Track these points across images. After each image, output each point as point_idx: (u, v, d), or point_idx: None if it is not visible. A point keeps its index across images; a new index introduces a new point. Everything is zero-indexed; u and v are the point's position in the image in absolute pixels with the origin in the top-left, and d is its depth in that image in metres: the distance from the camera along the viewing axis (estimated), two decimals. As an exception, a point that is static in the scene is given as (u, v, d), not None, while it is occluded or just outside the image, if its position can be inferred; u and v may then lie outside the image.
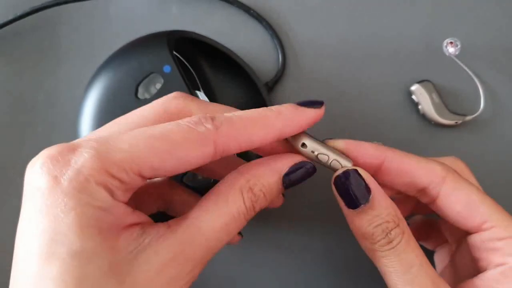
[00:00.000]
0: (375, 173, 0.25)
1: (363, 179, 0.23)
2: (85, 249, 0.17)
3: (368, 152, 0.25)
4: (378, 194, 0.23)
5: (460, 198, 0.25)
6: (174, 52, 0.31)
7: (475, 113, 0.35)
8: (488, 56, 0.36)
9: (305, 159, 0.23)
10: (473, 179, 0.28)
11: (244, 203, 0.21)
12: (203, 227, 0.19)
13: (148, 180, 0.20)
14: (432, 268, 0.23)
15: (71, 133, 0.33)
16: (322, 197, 0.35)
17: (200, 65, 0.35)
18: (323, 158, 0.24)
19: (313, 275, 0.35)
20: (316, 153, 0.23)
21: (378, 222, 0.23)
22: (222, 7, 0.37)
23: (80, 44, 0.37)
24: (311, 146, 0.23)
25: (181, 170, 0.19)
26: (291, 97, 0.36)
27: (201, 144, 0.19)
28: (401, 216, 0.24)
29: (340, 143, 0.25)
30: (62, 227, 0.17)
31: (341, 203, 0.24)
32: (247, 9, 0.36)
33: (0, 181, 0.35)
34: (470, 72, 0.35)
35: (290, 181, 0.22)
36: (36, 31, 0.37)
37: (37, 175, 0.18)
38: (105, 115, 0.31)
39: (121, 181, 0.18)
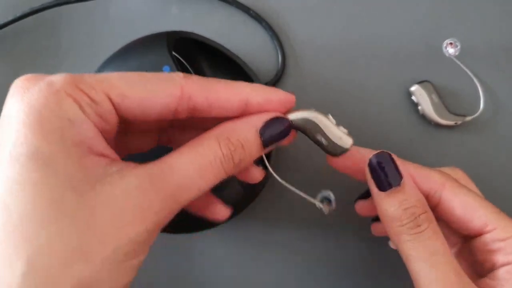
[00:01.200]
0: None
1: (396, 164, 0.24)
2: (45, 152, 0.17)
3: (367, 160, 0.26)
4: (409, 181, 0.24)
5: (459, 204, 0.26)
6: (174, 53, 0.31)
7: (474, 113, 0.35)
8: (488, 57, 0.36)
9: (279, 115, 0.23)
10: (473, 187, 0.29)
11: (221, 149, 0.20)
12: (175, 165, 0.19)
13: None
14: (455, 260, 0.23)
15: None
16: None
17: (199, 65, 0.35)
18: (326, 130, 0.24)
19: (314, 276, 0.35)
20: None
21: (407, 205, 0.24)
22: (221, 8, 0.37)
23: (80, 45, 0.37)
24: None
25: (151, 105, 0.20)
26: (290, 97, 0.36)
27: (168, 82, 0.20)
28: (428, 207, 0.24)
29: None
30: (25, 131, 0.17)
31: (372, 186, 0.25)
32: (246, 10, 0.36)
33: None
34: (469, 73, 0.35)
35: (267, 135, 0.22)
36: (36, 31, 0.37)
37: (11, 91, 0.19)
38: (104, 115, 0.30)
39: (90, 97, 0.18)
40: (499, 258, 0.25)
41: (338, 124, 0.24)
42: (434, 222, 0.24)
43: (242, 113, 0.22)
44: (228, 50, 0.34)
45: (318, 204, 0.25)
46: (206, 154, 0.20)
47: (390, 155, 0.25)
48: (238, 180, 0.31)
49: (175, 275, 0.35)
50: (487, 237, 0.25)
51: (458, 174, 0.29)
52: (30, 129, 0.17)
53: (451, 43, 0.35)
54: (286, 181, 0.25)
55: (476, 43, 0.36)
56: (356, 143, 0.36)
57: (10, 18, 0.36)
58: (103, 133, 0.19)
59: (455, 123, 0.35)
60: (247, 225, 0.35)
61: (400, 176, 0.24)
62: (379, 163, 0.24)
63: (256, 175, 0.26)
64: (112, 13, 0.37)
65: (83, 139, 0.18)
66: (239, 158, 0.21)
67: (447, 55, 0.35)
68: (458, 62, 0.35)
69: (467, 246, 0.29)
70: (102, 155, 0.19)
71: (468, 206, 0.26)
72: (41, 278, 0.16)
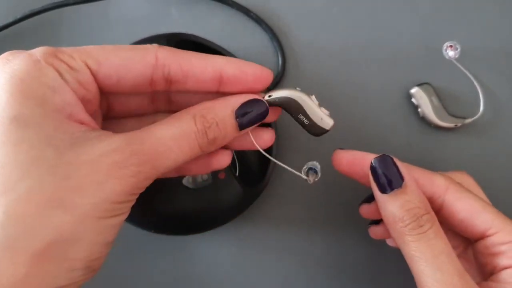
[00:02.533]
0: None
1: (397, 167, 0.25)
2: (24, 114, 0.18)
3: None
4: (411, 182, 0.24)
5: (462, 207, 0.26)
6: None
7: (474, 116, 0.35)
8: (488, 60, 0.36)
9: (256, 98, 0.23)
10: (479, 191, 0.29)
11: (196, 124, 0.21)
12: (153, 133, 0.20)
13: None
14: (458, 260, 0.24)
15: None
16: (321, 200, 0.35)
17: (199, 67, 0.35)
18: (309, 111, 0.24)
19: (314, 277, 0.35)
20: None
21: (409, 206, 0.24)
22: (222, 10, 0.37)
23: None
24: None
25: (127, 72, 0.21)
26: (290, 99, 0.36)
27: (143, 51, 0.21)
28: (431, 209, 0.25)
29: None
30: (6, 96, 0.18)
31: (375, 189, 0.25)
32: (246, 12, 0.36)
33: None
34: (469, 75, 0.35)
35: (243, 116, 0.22)
36: (36, 34, 0.37)
37: None
38: (104, 117, 0.30)
39: (69, 65, 0.19)
40: (502, 261, 0.25)
41: (321, 105, 0.24)
42: (437, 223, 0.24)
43: (218, 87, 0.23)
44: (228, 52, 0.34)
45: (303, 175, 0.25)
46: (182, 127, 0.21)
47: (391, 158, 0.25)
48: (238, 181, 0.31)
49: (175, 276, 0.35)
50: (490, 240, 0.25)
51: (467, 179, 0.29)
52: (12, 95, 0.18)
53: (451, 46, 0.35)
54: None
55: (476, 46, 0.36)
56: (356, 145, 0.36)
57: (10, 20, 0.36)
58: (85, 102, 0.20)
59: (455, 125, 0.35)
60: (247, 227, 0.35)
61: (402, 178, 0.24)
62: (380, 166, 0.25)
63: (221, 162, 0.25)
64: (112, 16, 0.37)
65: (64, 106, 0.19)
66: (213, 136, 0.22)
67: (447, 57, 0.35)
68: (458, 65, 0.35)
69: (469, 249, 0.29)
70: (82, 122, 0.19)
71: (471, 210, 0.26)
72: (19, 226, 0.17)
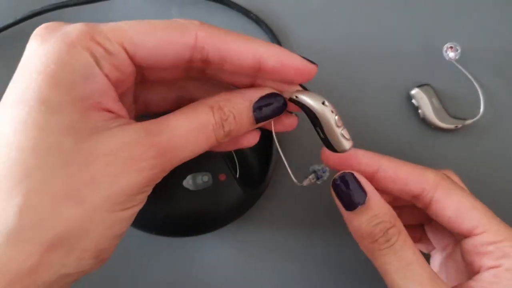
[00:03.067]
0: (370, 180, 0.26)
1: (359, 182, 0.25)
2: (52, 100, 0.18)
3: (363, 161, 0.26)
4: (374, 196, 0.25)
5: (451, 204, 0.26)
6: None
7: (475, 117, 0.35)
8: (488, 61, 0.36)
9: (274, 92, 0.23)
10: (466, 191, 0.28)
11: (213, 116, 0.21)
12: (171, 124, 0.20)
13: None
14: (429, 266, 0.24)
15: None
16: (322, 202, 0.35)
17: (200, 68, 0.35)
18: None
19: (314, 278, 0.35)
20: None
21: (376, 221, 0.24)
22: (221, 10, 0.37)
23: (80, 48, 0.37)
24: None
25: (165, 53, 0.20)
26: (291, 101, 0.36)
27: (182, 30, 0.20)
28: (397, 217, 0.25)
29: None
30: (38, 79, 0.18)
31: (340, 206, 0.25)
32: (246, 12, 0.36)
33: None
34: (470, 77, 0.35)
35: (260, 110, 0.22)
36: (36, 34, 0.37)
37: (30, 39, 0.19)
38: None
39: (105, 49, 0.19)
40: (486, 261, 0.25)
41: (343, 126, 0.23)
42: (404, 232, 0.25)
43: (256, 73, 0.22)
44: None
45: (294, 179, 0.26)
46: (200, 119, 0.21)
47: (352, 174, 0.25)
48: (239, 183, 0.31)
49: (176, 278, 0.35)
50: (477, 239, 0.25)
51: (452, 177, 0.29)
52: (44, 78, 0.18)
53: (451, 47, 0.35)
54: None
55: (477, 47, 0.36)
56: (356, 146, 0.36)
57: (10, 21, 0.36)
58: (118, 83, 0.20)
59: (455, 126, 0.35)
60: (247, 228, 0.35)
61: (364, 193, 0.24)
62: (342, 184, 0.25)
63: (251, 142, 0.25)
64: (112, 17, 0.37)
65: (92, 94, 0.19)
66: (229, 128, 0.21)
67: (447, 58, 0.35)
68: (459, 66, 0.35)
69: (458, 248, 0.29)
70: (109, 110, 0.19)
71: (460, 207, 0.26)
72: (33, 217, 0.17)
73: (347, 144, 0.24)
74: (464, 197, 0.26)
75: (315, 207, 0.35)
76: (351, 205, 0.25)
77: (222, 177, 0.30)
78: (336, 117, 0.23)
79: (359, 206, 0.24)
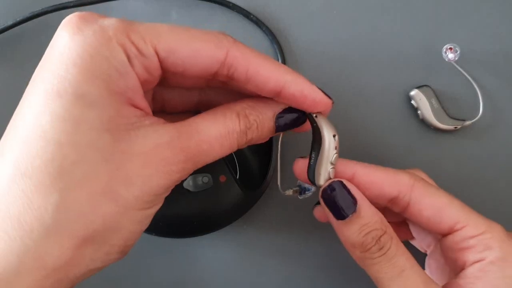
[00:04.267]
0: None
1: (348, 190, 0.24)
2: (89, 94, 0.18)
3: (338, 168, 0.26)
4: (364, 204, 0.24)
5: (429, 204, 0.26)
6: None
7: (474, 118, 0.35)
8: (487, 62, 0.36)
9: (295, 107, 0.23)
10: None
11: (239, 124, 0.21)
12: (200, 128, 0.20)
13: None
14: (422, 270, 0.24)
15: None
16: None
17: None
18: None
19: (314, 279, 0.35)
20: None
21: (367, 230, 0.24)
22: (222, 12, 0.37)
23: (80, 49, 0.37)
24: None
25: (195, 63, 0.20)
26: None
27: (216, 45, 0.20)
28: (387, 223, 0.24)
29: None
30: (75, 71, 0.18)
31: (330, 216, 0.25)
32: (247, 14, 0.36)
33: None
34: (469, 78, 0.35)
35: (282, 121, 0.23)
36: (36, 36, 0.37)
37: (63, 26, 0.19)
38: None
39: (138, 49, 0.19)
40: (470, 256, 0.25)
41: (333, 165, 0.24)
42: (395, 238, 0.24)
43: (273, 96, 0.22)
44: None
45: (281, 189, 0.27)
46: (227, 125, 0.21)
47: (341, 182, 0.24)
48: (239, 184, 0.31)
49: (176, 279, 0.35)
50: (457, 235, 0.25)
51: (422, 176, 0.29)
52: (80, 71, 0.18)
53: (450, 48, 0.35)
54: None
55: (476, 48, 0.36)
56: (355, 147, 0.36)
57: (10, 22, 0.36)
58: (145, 83, 0.20)
59: (455, 127, 0.35)
60: (247, 229, 0.35)
61: (354, 201, 0.24)
62: (332, 193, 0.24)
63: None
64: (112, 18, 0.37)
65: (126, 90, 0.19)
66: (252, 136, 0.22)
67: (446, 60, 0.35)
68: (458, 67, 0.35)
69: (437, 246, 0.29)
70: (138, 107, 0.19)
71: (438, 206, 0.26)
72: (71, 213, 0.17)
73: (322, 182, 0.25)
74: (440, 196, 0.26)
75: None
76: (341, 215, 0.24)
77: (222, 178, 0.30)
78: (335, 156, 0.24)
79: (350, 215, 0.24)
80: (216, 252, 0.35)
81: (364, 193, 0.26)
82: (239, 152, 0.34)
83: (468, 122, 0.35)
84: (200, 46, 0.20)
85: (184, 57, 0.20)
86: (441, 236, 0.27)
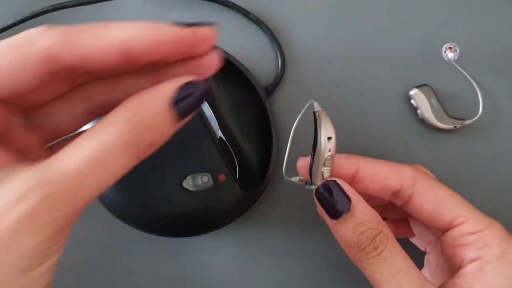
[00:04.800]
0: (350, 181, 0.26)
1: (342, 189, 0.24)
2: None
3: (340, 163, 0.26)
4: (358, 202, 0.24)
5: (430, 197, 0.26)
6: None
7: (473, 117, 0.35)
8: (487, 61, 0.36)
9: (194, 79, 0.18)
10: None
11: (126, 133, 0.16)
12: (66, 162, 0.16)
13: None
14: (419, 271, 0.24)
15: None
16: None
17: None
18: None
19: (314, 278, 0.35)
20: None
21: (362, 229, 0.23)
22: (222, 12, 0.37)
23: (80, 49, 0.37)
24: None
25: (11, 81, 0.16)
26: (290, 101, 0.36)
27: (26, 52, 0.16)
28: (383, 222, 0.24)
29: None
30: None
31: (325, 217, 0.25)
32: (246, 14, 0.36)
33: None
34: (469, 77, 0.35)
35: (181, 107, 0.17)
36: (36, 35, 0.37)
37: None
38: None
39: None
40: (468, 253, 0.25)
41: (329, 166, 0.24)
42: (391, 237, 0.24)
43: (128, 64, 0.17)
44: (228, 54, 0.34)
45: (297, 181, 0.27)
46: (106, 143, 0.16)
47: (335, 181, 0.24)
48: (238, 184, 0.31)
49: (176, 278, 0.35)
50: (457, 230, 0.25)
51: (424, 170, 0.29)
52: None
53: (450, 48, 0.35)
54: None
55: (475, 48, 0.36)
56: (355, 146, 0.36)
57: (10, 22, 0.36)
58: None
59: (454, 126, 0.35)
60: (247, 228, 0.35)
61: (349, 200, 0.24)
62: (326, 192, 0.24)
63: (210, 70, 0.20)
64: (111, 18, 0.37)
65: None
66: (150, 140, 0.17)
67: (446, 59, 0.35)
68: (457, 66, 0.35)
69: (437, 242, 0.29)
70: None
71: (439, 199, 0.26)
72: None
73: (318, 182, 0.25)
74: (441, 190, 0.26)
75: (315, 208, 0.35)
76: (335, 214, 0.24)
77: (222, 177, 0.30)
78: (328, 158, 0.24)
79: (344, 214, 0.23)
80: (216, 252, 0.35)
81: (368, 187, 0.27)
82: (238, 151, 0.34)
83: (467, 122, 0.35)
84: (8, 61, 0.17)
85: None
86: (441, 232, 0.27)
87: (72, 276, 0.35)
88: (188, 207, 0.30)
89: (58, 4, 0.35)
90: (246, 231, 0.35)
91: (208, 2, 0.37)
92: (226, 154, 0.31)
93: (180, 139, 0.30)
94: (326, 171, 0.24)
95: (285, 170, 0.27)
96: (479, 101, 0.35)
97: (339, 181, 0.24)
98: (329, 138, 0.24)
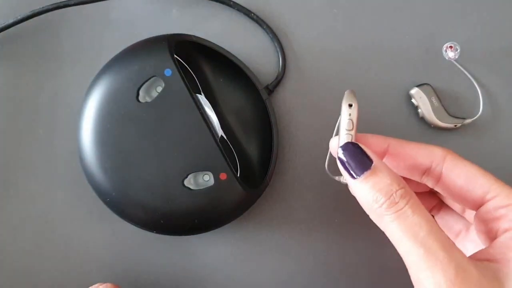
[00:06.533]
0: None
1: (363, 151, 0.24)
2: None
3: (371, 141, 0.27)
4: (379, 162, 0.24)
5: (461, 173, 0.26)
6: (175, 56, 0.32)
7: (474, 116, 0.35)
8: (487, 60, 0.36)
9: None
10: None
11: None
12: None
13: None
14: (444, 233, 0.23)
15: (72, 136, 0.33)
16: (322, 201, 0.35)
17: (200, 68, 0.35)
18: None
19: (314, 278, 0.35)
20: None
21: (381, 185, 0.23)
22: (222, 10, 0.37)
23: (81, 48, 0.37)
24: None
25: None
26: (291, 100, 0.36)
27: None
28: (405, 183, 0.24)
29: None
30: None
31: (347, 177, 0.25)
32: (247, 12, 0.37)
33: (1, 184, 0.35)
34: (469, 76, 0.35)
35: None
36: (36, 34, 0.37)
37: None
38: (106, 118, 0.31)
39: None
40: (502, 225, 0.25)
41: (352, 129, 0.25)
42: (414, 197, 0.23)
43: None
44: (229, 53, 0.34)
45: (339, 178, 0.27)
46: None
47: (355, 144, 0.25)
48: (239, 183, 0.31)
49: (177, 277, 0.35)
50: (489, 204, 0.25)
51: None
52: None
53: (451, 46, 0.35)
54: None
55: (476, 46, 0.36)
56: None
57: (11, 21, 0.36)
58: None
59: (455, 125, 0.35)
60: (248, 227, 0.35)
61: (370, 160, 0.24)
62: (346, 153, 0.24)
63: None
64: (112, 16, 0.37)
65: None
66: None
67: (447, 58, 0.35)
68: (458, 65, 0.35)
69: (471, 230, 0.29)
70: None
71: (470, 175, 0.26)
72: None
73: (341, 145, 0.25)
74: (472, 166, 0.26)
75: (316, 207, 0.35)
76: (356, 172, 0.24)
77: (223, 176, 0.30)
78: (348, 122, 0.25)
79: (365, 172, 0.23)
80: (217, 250, 0.35)
81: (398, 165, 0.27)
82: (239, 150, 0.34)
83: (468, 120, 0.35)
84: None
85: None
86: (474, 208, 0.27)
87: (72, 275, 0.35)
88: (189, 205, 0.30)
89: (60, 2, 0.35)
90: (247, 230, 0.35)
91: (208, 1, 0.37)
92: (227, 153, 0.31)
93: (181, 138, 0.30)
94: (347, 136, 0.25)
95: (327, 167, 0.28)
96: (479, 100, 0.35)
97: (361, 145, 0.25)
98: (350, 105, 0.25)
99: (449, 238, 0.23)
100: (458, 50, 0.35)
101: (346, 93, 0.26)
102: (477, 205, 0.26)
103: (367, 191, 0.23)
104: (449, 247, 0.22)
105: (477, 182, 0.26)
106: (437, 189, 0.28)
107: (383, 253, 0.34)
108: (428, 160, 0.27)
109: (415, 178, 0.28)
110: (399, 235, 0.23)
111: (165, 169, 0.30)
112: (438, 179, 0.27)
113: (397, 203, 0.23)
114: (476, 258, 0.24)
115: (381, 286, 0.35)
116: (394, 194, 0.23)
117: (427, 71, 0.36)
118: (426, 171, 0.27)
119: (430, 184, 0.28)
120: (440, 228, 0.23)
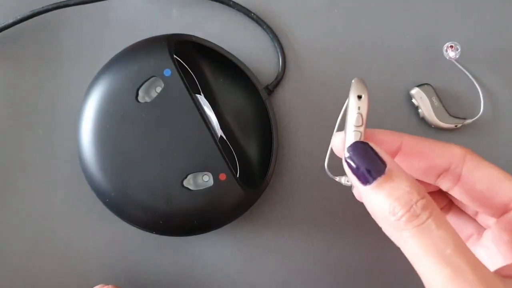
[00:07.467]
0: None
1: (375, 152, 0.21)
2: None
3: (385, 138, 0.24)
4: (395, 166, 0.20)
5: (482, 177, 0.23)
6: (174, 56, 0.31)
7: (475, 116, 0.35)
8: (488, 60, 0.36)
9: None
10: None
11: None
12: None
13: None
14: (470, 250, 0.20)
15: (72, 136, 0.33)
16: (322, 202, 0.35)
17: (200, 68, 0.35)
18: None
19: (314, 278, 0.35)
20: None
21: (398, 193, 0.20)
22: (222, 10, 0.37)
23: (81, 48, 0.37)
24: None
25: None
26: (291, 100, 0.36)
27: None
28: (425, 190, 0.20)
29: None
30: None
31: (356, 183, 0.21)
32: (247, 12, 0.36)
33: (1, 184, 0.35)
34: (470, 76, 0.35)
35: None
36: (36, 34, 0.37)
37: None
38: (105, 118, 0.31)
39: None
40: None
41: (361, 125, 0.22)
42: (436, 207, 0.20)
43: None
44: (229, 53, 0.34)
45: (344, 181, 0.24)
46: None
47: (367, 144, 0.21)
48: (239, 183, 0.31)
49: (176, 277, 0.35)
50: None
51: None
52: None
53: (451, 46, 0.35)
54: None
55: (477, 46, 0.36)
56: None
57: (10, 21, 0.36)
58: None
59: (455, 126, 0.35)
60: (248, 228, 0.35)
61: (383, 163, 0.20)
62: (355, 155, 0.21)
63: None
64: (112, 16, 0.37)
65: None
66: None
67: (447, 58, 0.35)
68: (459, 65, 0.35)
69: (484, 236, 0.26)
70: None
71: (493, 179, 0.23)
72: None
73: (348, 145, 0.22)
74: (495, 169, 0.23)
75: (316, 207, 0.35)
76: (368, 178, 0.20)
77: (223, 176, 0.30)
78: (357, 116, 0.21)
79: (379, 178, 0.20)
80: (216, 251, 0.35)
81: (413, 166, 0.24)
82: (239, 150, 0.34)
83: (469, 121, 0.35)
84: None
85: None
86: (496, 215, 0.24)
87: (72, 275, 0.35)
88: (189, 206, 0.30)
89: (60, 2, 0.35)
90: (247, 230, 0.35)
91: (209, 1, 0.37)
92: (227, 153, 0.31)
93: (181, 138, 0.30)
94: (356, 134, 0.21)
95: (327, 166, 0.24)
96: (480, 100, 0.35)
97: (372, 144, 0.21)
98: (359, 97, 0.21)
99: (476, 257, 0.19)
100: (459, 50, 0.35)
101: (354, 82, 0.21)
102: (500, 212, 0.23)
103: (382, 200, 0.20)
104: (476, 265, 0.19)
105: (501, 187, 0.23)
106: (452, 192, 0.25)
107: (384, 253, 0.34)
108: (446, 161, 0.23)
109: (429, 180, 0.25)
110: (420, 252, 0.19)
111: (164, 170, 0.30)
112: (456, 181, 0.24)
113: (418, 215, 0.19)
114: (502, 274, 0.20)
115: (381, 286, 0.35)
116: (414, 205, 0.19)
117: (428, 71, 0.36)
118: (443, 173, 0.24)
119: (445, 187, 0.25)
120: (464, 243, 0.20)
